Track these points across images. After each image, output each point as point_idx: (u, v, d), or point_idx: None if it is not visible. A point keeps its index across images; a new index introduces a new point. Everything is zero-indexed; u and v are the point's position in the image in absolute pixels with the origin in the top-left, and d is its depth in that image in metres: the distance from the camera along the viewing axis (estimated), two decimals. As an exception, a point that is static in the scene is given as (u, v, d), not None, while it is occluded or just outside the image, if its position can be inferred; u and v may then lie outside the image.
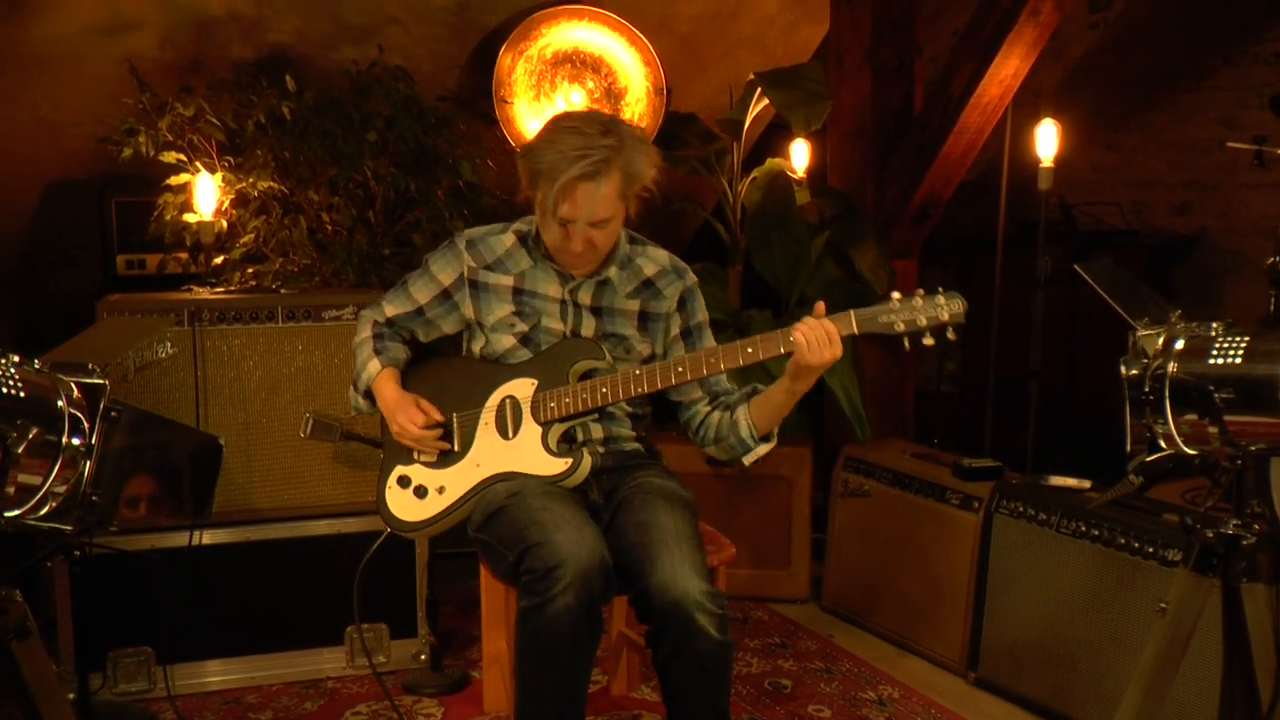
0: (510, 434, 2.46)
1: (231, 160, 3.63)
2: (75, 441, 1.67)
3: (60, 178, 3.99)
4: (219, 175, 3.54)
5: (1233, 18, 4.85)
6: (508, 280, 2.51)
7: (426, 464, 2.52)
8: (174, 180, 3.54)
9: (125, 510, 1.82)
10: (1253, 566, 1.80)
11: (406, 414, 2.48)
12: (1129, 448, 1.88)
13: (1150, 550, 2.73)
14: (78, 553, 2.70)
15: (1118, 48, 5.20)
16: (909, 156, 3.95)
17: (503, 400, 2.48)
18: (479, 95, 4.10)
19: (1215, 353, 1.76)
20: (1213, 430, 1.76)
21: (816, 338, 2.23)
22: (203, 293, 3.20)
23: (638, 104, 4.22)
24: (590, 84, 4.17)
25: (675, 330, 2.57)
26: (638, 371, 2.37)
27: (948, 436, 4.61)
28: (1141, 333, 1.87)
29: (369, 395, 2.59)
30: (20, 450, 1.55)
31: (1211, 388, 1.74)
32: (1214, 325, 1.82)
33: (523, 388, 2.47)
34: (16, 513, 1.64)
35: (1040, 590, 3.00)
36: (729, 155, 4.15)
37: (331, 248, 3.64)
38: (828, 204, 4.05)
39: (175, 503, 2.01)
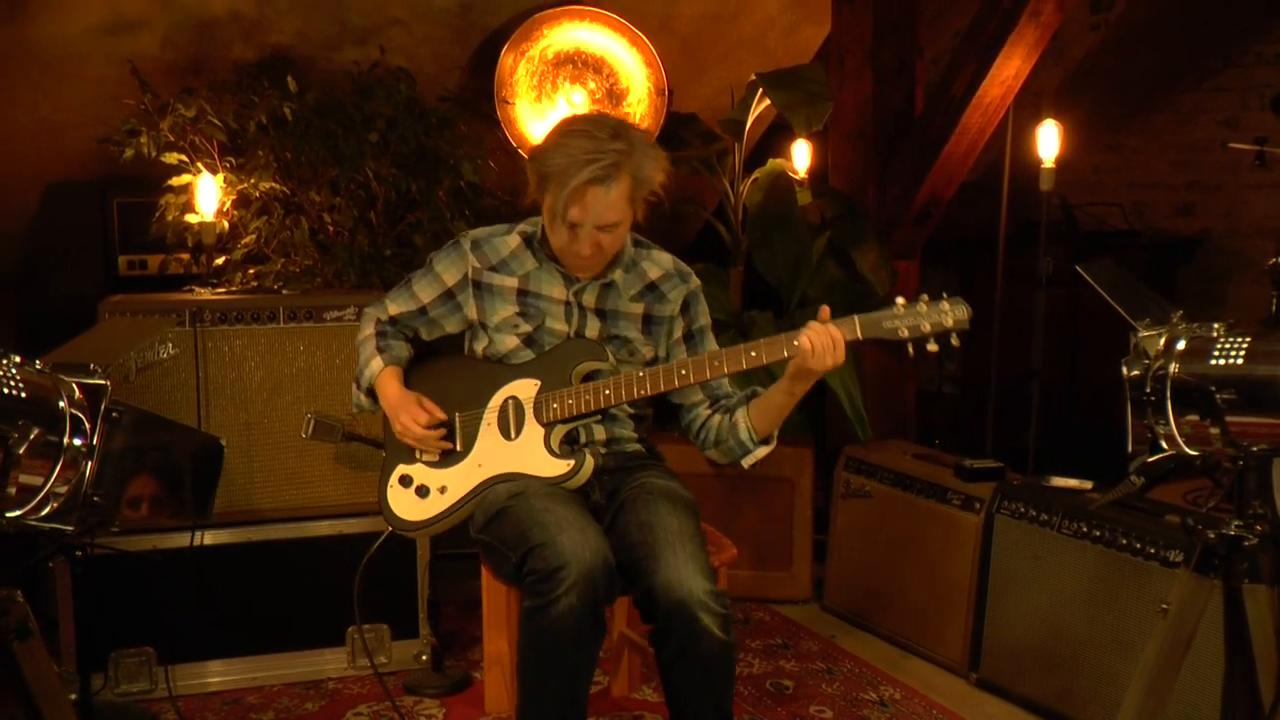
0: (512, 434, 2.46)
1: (233, 161, 3.63)
2: (77, 442, 1.67)
3: (62, 178, 4.00)
4: (220, 176, 3.54)
5: (1233, 18, 4.85)
6: (512, 281, 2.51)
7: (428, 463, 2.52)
8: (175, 181, 3.54)
9: (127, 511, 1.82)
10: (1254, 568, 1.80)
11: (409, 413, 2.48)
12: (1130, 448, 1.88)
13: (1152, 551, 2.73)
14: (79, 553, 2.70)
15: (1119, 48, 5.19)
16: (910, 157, 3.95)
17: (505, 400, 2.48)
18: (480, 96, 4.10)
19: (1217, 353, 1.76)
20: (1214, 431, 1.76)
21: (822, 343, 2.22)
22: (204, 293, 3.20)
23: (639, 105, 4.21)
24: (592, 85, 4.16)
25: (678, 333, 2.57)
26: (641, 374, 2.37)
27: (949, 437, 4.61)
28: (1143, 333, 1.86)
29: (371, 393, 2.58)
30: (22, 451, 1.55)
31: (1213, 388, 1.74)
32: (1215, 326, 1.81)
33: (525, 388, 2.46)
34: (18, 513, 1.64)
35: (1042, 591, 3.00)
36: (730, 156, 4.15)
37: (333, 248, 3.64)
38: (829, 205, 4.05)
39: (177, 503, 2.01)
